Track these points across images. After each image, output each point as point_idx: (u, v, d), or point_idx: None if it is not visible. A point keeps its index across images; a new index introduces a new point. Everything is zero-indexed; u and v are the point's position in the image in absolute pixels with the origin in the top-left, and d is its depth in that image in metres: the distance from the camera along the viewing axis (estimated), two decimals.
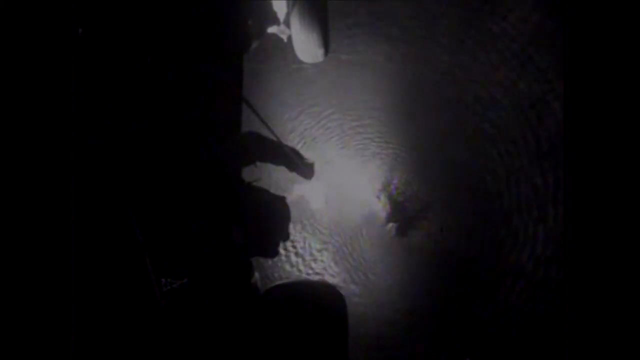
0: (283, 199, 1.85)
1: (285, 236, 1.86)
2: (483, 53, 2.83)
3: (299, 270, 3.14)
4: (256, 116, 1.82)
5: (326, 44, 2.24)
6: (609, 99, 1.15)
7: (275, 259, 3.01)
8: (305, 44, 2.20)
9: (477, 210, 2.95)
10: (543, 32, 2.68)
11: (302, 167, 1.98)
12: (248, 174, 1.92)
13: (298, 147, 2.54)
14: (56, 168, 1.11)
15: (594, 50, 1.16)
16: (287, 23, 2.12)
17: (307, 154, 2.26)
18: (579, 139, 1.17)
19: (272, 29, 2.11)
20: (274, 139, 1.90)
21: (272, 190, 1.87)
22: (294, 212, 1.93)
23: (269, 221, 1.79)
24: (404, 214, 3.09)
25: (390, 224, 3.09)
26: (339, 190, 2.98)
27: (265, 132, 1.92)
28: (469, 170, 2.94)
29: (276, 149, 1.92)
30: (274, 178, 2.37)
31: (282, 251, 3.08)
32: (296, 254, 3.14)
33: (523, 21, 2.73)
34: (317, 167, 2.14)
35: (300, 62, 2.41)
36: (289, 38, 2.20)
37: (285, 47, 2.44)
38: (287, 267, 3.13)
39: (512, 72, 2.81)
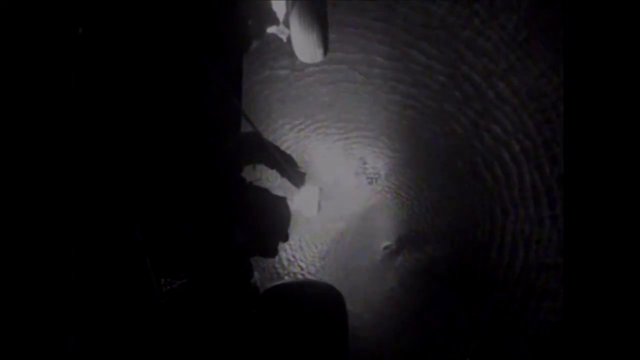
0: (283, 199, 1.85)
1: (285, 237, 1.86)
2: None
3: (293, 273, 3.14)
4: (246, 120, 1.83)
5: (325, 44, 2.24)
6: (611, 96, 1.14)
7: (275, 259, 3.01)
8: (304, 44, 2.20)
9: (476, 220, 2.96)
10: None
11: (293, 174, 1.99)
12: (248, 174, 1.92)
13: (295, 153, 2.53)
14: (56, 168, 1.11)
15: (593, 45, 1.16)
16: (287, 23, 2.12)
17: (306, 159, 2.25)
18: (578, 137, 1.16)
19: (271, 29, 2.11)
20: (269, 143, 1.91)
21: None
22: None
23: (269, 221, 1.79)
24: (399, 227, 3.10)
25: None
26: (330, 198, 2.97)
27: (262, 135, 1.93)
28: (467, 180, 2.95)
29: (269, 154, 1.93)
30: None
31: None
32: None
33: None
34: (313, 173, 2.14)
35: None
36: (289, 38, 2.20)
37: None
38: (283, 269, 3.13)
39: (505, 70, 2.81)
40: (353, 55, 2.97)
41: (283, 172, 1.99)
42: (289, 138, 3.08)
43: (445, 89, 2.90)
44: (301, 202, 2.05)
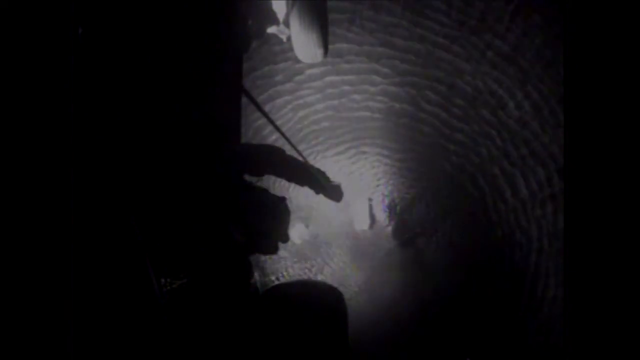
0: (283, 200, 1.85)
1: (285, 237, 1.86)
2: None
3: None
4: (285, 138, 1.79)
5: (325, 44, 2.24)
6: (610, 101, 1.13)
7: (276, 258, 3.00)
8: (304, 44, 2.20)
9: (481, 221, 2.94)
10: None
11: (329, 189, 1.94)
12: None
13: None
14: (56, 168, 1.11)
15: (594, 50, 1.15)
16: (287, 23, 2.12)
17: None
18: (578, 141, 1.16)
19: (272, 29, 2.11)
20: (300, 159, 1.87)
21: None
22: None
23: (269, 222, 1.79)
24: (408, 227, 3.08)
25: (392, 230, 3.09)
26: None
27: (289, 151, 1.90)
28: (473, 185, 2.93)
29: (302, 170, 1.89)
30: None
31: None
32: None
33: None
34: (359, 185, 2.04)
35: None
36: (289, 38, 2.20)
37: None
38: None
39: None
40: (374, 57, 2.95)
41: (318, 189, 1.94)
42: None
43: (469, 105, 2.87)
44: (352, 214, 1.97)
